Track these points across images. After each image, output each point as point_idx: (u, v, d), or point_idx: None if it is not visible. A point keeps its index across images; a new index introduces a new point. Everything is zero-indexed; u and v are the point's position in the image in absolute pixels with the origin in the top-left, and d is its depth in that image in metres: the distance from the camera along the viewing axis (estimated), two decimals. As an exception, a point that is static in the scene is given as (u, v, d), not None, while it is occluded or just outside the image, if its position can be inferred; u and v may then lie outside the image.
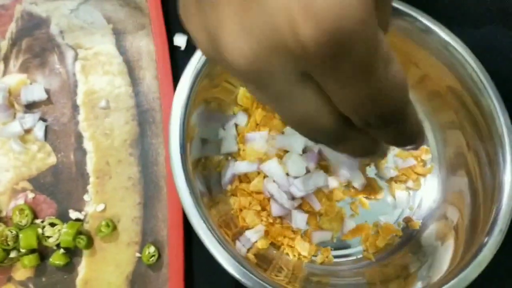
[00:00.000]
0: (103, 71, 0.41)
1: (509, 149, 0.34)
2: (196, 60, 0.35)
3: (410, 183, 0.40)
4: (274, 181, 0.38)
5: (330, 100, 0.17)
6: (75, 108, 0.40)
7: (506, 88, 0.44)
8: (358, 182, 0.40)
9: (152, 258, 0.35)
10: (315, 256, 0.38)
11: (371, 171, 0.41)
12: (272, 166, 0.38)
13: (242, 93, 0.41)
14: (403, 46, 0.39)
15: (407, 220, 0.39)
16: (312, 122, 0.18)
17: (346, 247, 0.39)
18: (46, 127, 0.39)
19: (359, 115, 0.17)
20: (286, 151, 0.39)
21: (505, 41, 0.47)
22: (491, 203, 0.34)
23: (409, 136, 0.20)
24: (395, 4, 0.36)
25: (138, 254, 0.36)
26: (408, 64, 0.40)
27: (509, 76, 0.46)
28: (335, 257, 0.38)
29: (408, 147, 0.21)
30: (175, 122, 0.33)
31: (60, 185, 0.38)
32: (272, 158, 0.38)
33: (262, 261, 0.36)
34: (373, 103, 0.16)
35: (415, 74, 0.41)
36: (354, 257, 0.38)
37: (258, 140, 0.39)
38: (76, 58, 0.42)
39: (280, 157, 0.39)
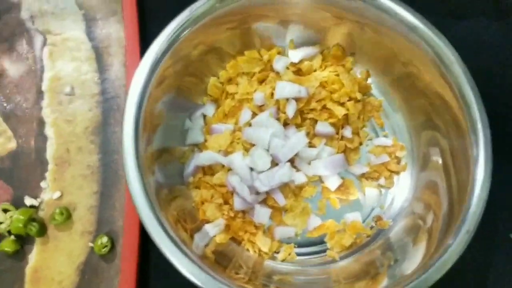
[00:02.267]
0: (71, 57, 0.41)
1: (483, 146, 0.32)
2: (157, 47, 0.33)
3: (382, 181, 0.38)
4: (237, 174, 0.36)
5: None
6: (39, 93, 0.40)
7: (491, 83, 0.42)
8: (333, 184, 0.38)
9: (105, 248, 0.34)
10: (277, 253, 0.36)
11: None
12: (236, 159, 0.36)
13: (213, 82, 0.40)
14: (388, 42, 0.37)
15: (377, 219, 0.37)
16: None
17: (311, 244, 0.37)
18: (9, 111, 0.39)
19: None
20: (252, 145, 0.37)
21: (494, 35, 0.45)
22: (462, 204, 0.32)
23: None
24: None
25: (91, 244, 0.35)
26: (393, 61, 0.39)
27: (494, 71, 0.44)
28: (299, 254, 0.36)
29: None
30: (130, 110, 0.32)
31: (17, 171, 0.37)
32: (237, 151, 0.37)
33: (221, 259, 0.34)
34: None
35: (398, 71, 0.39)
36: (319, 255, 0.36)
37: (224, 131, 0.38)
38: (44, 43, 0.41)
39: (246, 151, 0.38)
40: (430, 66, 0.35)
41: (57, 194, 0.36)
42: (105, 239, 0.34)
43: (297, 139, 0.37)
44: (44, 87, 0.40)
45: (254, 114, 0.38)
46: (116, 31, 0.42)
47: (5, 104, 0.39)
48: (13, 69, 0.40)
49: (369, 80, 0.42)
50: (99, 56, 0.41)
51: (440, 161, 0.36)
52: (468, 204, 0.31)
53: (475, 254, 0.38)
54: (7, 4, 0.42)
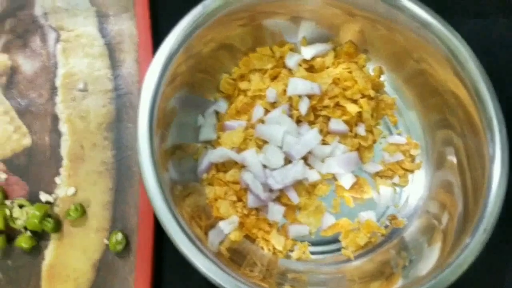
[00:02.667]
0: (84, 53, 0.41)
1: (499, 144, 0.32)
2: (170, 43, 0.33)
3: (396, 179, 0.38)
4: (251, 171, 0.36)
5: None
6: (53, 89, 0.40)
7: (504, 81, 0.42)
8: (347, 182, 0.38)
9: (119, 245, 0.34)
10: (292, 251, 0.36)
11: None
12: (249, 156, 0.36)
13: (225, 79, 0.40)
14: (401, 40, 0.37)
15: (392, 218, 0.37)
16: None
17: (326, 243, 0.37)
18: (23, 108, 0.39)
19: None
20: (265, 142, 0.37)
21: (506, 33, 0.44)
22: (478, 203, 0.31)
23: None
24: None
25: (106, 241, 0.35)
26: (406, 58, 0.38)
27: (505, 69, 0.43)
28: (313, 253, 0.36)
29: None
30: (144, 107, 0.31)
31: (33, 167, 0.37)
32: (250, 148, 0.37)
33: (236, 256, 0.34)
34: None
35: (412, 69, 0.39)
36: (334, 254, 0.36)
37: (236, 128, 0.38)
38: (58, 40, 0.41)
39: (259, 148, 0.37)
40: (443, 63, 0.35)
41: (71, 190, 0.36)
42: (119, 236, 0.34)
43: (310, 136, 0.37)
44: (58, 83, 0.40)
45: (267, 111, 0.38)
46: (129, 27, 0.42)
47: (19, 100, 0.39)
48: (27, 65, 0.40)
49: (382, 78, 0.41)
50: (112, 53, 0.41)
51: (455, 160, 0.36)
52: (485, 202, 0.30)
53: (491, 254, 0.38)
54: (21, 1, 0.42)
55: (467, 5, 0.45)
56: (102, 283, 0.34)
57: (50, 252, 0.35)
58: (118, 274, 0.34)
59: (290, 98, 0.38)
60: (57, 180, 0.37)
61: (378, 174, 0.38)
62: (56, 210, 0.36)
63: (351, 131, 0.39)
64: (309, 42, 0.41)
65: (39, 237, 0.35)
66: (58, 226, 0.35)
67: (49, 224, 0.34)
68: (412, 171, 0.39)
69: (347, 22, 0.39)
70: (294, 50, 0.41)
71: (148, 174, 0.30)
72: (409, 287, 0.29)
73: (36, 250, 0.35)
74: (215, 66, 0.40)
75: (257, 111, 0.38)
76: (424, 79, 0.38)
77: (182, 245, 0.29)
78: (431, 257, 0.32)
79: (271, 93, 0.38)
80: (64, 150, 0.38)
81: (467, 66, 0.34)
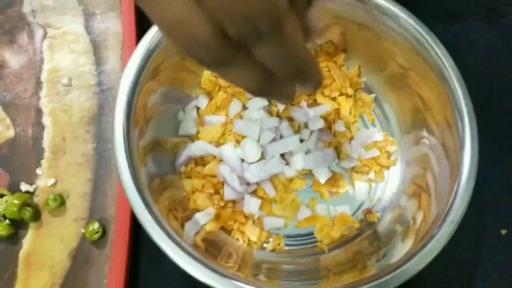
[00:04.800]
0: (69, 50, 0.42)
1: (469, 137, 0.32)
2: (148, 40, 0.34)
3: (372, 175, 0.39)
4: (228, 165, 0.37)
5: (205, 8, 0.17)
6: (38, 84, 0.41)
7: (480, 84, 0.43)
8: (323, 177, 0.38)
9: (96, 234, 0.35)
10: (267, 243, 0.37)
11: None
12: (227, 150, 0.37)
13: (207, 76, 0.41)
14: (380, 42, 0.38)
15: (366, 212, 0.38)
16: (185, 28, 0.17)
17: (300, 236, 0.37)
18: (8, 101, 0.40)
19: (231, 19, 0.16)
20: (244, 137, 0.38)
21: (485, 37, 0.45)
22: (448, 196, 0.32)
23: (293, 61, 0.19)
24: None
25: (83, 230, 0.35)
26: (384, 59, 0.39)
27: (486, 72, 0.44)
28: (288, 245, 0.37)
29: (301, 82, 0.20)
30: (121, 102, 0.32)
31: (15, 158, 0.38)
32: (229, 142, 0.38)
33: (212, 248, 0.34)
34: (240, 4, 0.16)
35: (390, 69, 0.39)
36: (308, 246, 0.37)
37: (215, 123, 0.38)
38: (44, 36, 0.42)
39: (238, 142, 0.38)
40: (423, 66, 0.36)
41: (51, 180, 0.37)
42: (96, 225, 0.35)
43: (291, 141, 0.38)
44: (43, 77, 0.41)
45: (245, 107, 0.39)
46: (114, 25, 0.43)
47: (5, 94, 0.40)
48: (14, 60, 0.41)
49: (362, 76, 0.42)
50: (97, 49, 0.42)
51: (429, 156, 0.36)
52: (454, 195, 0.31)
53: (464, 250, 0.38)
54: (10, -1, 0.43)
55: (450, 8, 0.47)
56: (78, 271, 0.34)
57: (28, 240, 0.35)
58: (94, 264, 0.35)
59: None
60: (38, 171, 0.37)
61: (354, 170, 0.39)
62: (36, 200, 0.36)
63: (329, 127, 0.40)
64: (290, 41, 0.42)
65: (18, 226, 0.36)
66: (36, 216, 0.35)
67: (27, 213, 0.35)
68: (388, 167, 0.39)
69: (330, 24, 0.40)
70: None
71: (124, 170, 0.30)
72: (378, 275, 0.30)
73: (14, 239, 0.35)
74: (197, 65, 0.40)
75: (235, 106, 0.39)
76: (403, 80, 0.39)
77: (158, 238, 0.29)
78: (403, 248, 0.33)
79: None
80: (46, 142, 0.38)
81: (438, 60, 0.35)
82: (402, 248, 0.33)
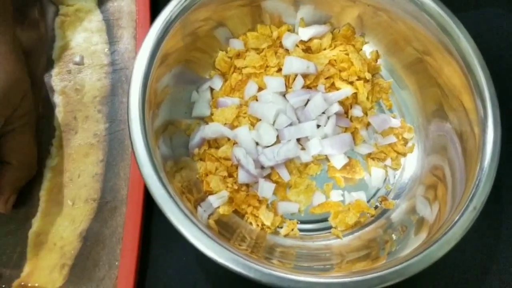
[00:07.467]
0: (82, 28, 0.41)
1: (492, 127, 0.31)
2: (163, 19, 0.33)
3: (388, 162, 0.38)
4: (243, 148, 0.36)
5: None
6: (49, 61, 0.40)
7: (503, 69, 0.42)
8: (339, 163, 0.38)
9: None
10: (280, 227, 0.36)
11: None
12: (242, 133, 0.36)
13: (221, 57, 0.40)
14: (397, 25, 0.37)
15: (382, 199, 0.37)
16: None
17: (314, 221, 0.37)
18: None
19: None
20: (258, 120, 0.37)
21: (506, 24, 0.44)
22: (470, 184, 0.31)
23: None
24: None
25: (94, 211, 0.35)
26: (404, 45, 0.38)
27: (506, 59, 0.43)
28: (302, 230, 0.36)
29: None
30: (136, 82, 0.31)
31: (25, 137, 0.37)
32: (243, 125, 0.37)
33: (225, 230, 0.34)
34: None
35: (409, 54, 0.39)
36: (322, 232, 0.36)
37: (230, 105, 0.37)
38: (56, 13, 0.42)
39: (252, 125, 0.37)
40: (442, 51, 0.35)
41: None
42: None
43: (308, 126, 0.37)
44: (54, 55, 0.40)
45: (261, 89, 0.38)
46: (128, 4, 0.42)
47: (15, 72, 0.39)
48: (25, 37, 0.40)
49: (379, 61, 0.41)
50: (110, 28, 0.41)
51: (448, 145, 0.35)
52: (477, 182, 0.30)
53: (482, 234, 0.37)
54: (21, -26, 0.42)
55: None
56: (89, 253, 0.34)
57: (37, 220, 0.35)
58: (105, 245, 0.34)
59: (286, 77, 0.38)
60: (51, 149, 0.37)
61: (370, 156, 0.38)
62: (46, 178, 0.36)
63: (346, 112, 0.39)
64: (307, 24, 0.41)
65: (27, 205, 0.35)
66: (48, 195, 0.35)
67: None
68: (404, 154, 0.38)
69: (347, 7, 0.39)
70: (292, 31, 0.41)
71: (140, 149, 0.29)
72: (395, 262, 0.29)
73: (24, 218, 0.35)
74: (211, 45, 0.40)
75: (250, 88, 0.38)
76: (422, 65, 0.38)
77: (173, 216, 0.28)
78: (417, 240, 0.32)
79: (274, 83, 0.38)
80: (57, 121, 0.38)
81: (461, 44, 0.34)
82: (416, 240, 0.32)
